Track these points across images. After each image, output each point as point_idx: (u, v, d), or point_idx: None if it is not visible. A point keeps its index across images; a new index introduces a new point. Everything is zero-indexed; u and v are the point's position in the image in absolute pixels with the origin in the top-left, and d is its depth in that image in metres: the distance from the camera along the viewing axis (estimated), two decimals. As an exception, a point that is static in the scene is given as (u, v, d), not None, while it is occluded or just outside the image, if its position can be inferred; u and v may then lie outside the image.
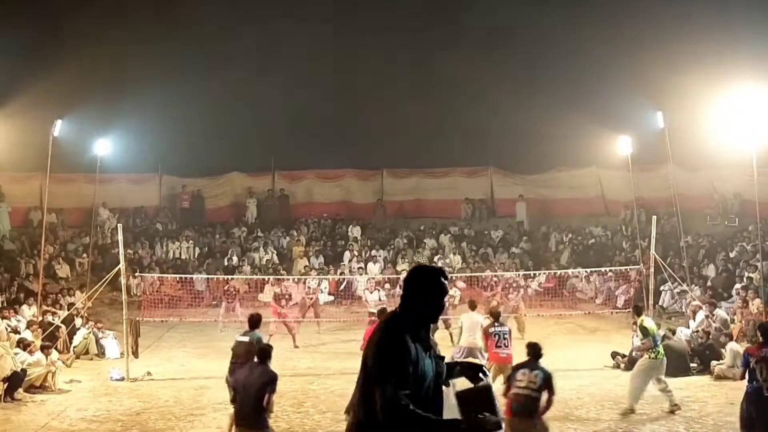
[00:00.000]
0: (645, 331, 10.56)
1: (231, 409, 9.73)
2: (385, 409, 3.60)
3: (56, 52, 25.72)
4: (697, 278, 19.33)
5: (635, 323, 14.25)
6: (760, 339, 8.28)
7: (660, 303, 18.80)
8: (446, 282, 3.92)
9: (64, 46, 26.54)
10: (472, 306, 13.61)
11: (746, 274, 17.86)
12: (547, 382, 7.88)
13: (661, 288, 19.03)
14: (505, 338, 11.00)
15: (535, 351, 8.30)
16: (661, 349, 10.61)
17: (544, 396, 7.81)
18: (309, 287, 18.38)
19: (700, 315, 14.86)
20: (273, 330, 16.08)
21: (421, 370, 3.71)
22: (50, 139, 16.39)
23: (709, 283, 18.77)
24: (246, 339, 9.66)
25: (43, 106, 19.99)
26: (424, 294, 3.83)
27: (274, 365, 8.72)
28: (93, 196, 22.02)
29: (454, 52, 30.12)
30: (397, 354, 3.67)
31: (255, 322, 9.96)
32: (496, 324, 11.24)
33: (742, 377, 8.26)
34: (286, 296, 17.15)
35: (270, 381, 7.69)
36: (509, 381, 8.06)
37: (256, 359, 7.92)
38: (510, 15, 29.67)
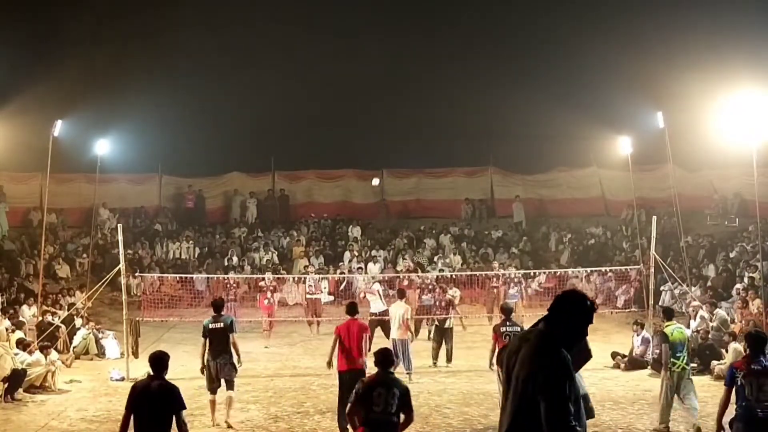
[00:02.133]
0: (663, 337, 9.59)
1: (209, 396, 10.05)
2: (553, 424, 3.68)
3: (56, 52, 25.77)
4: (697, 278, 19.32)
5: (636, 323, 14.31)
6: (748, 350, 7.15)
7: (660, 303, 18.77)
8: (592, 312, 4.03)
9: (64, 46, 26.58)
10: (402, 295, 13.72)
11: (746, 274, 17.84)
12: (402, 401, 6.36)
13: (661, 288, 19.02)
14: None
15: (385, 360, 6.61)
16: (680, 362, 9.48)
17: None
18: (310, 285, 18.41)
19: (700, 315, 14.86)
20: (266, 326, 16.11)
21: (576, 388, 3.82)
22: (50, 139, 16.38)
23: (709, 283, 18.76)
24: (220, 325, 9.86)
25: (43, 106, 20.02)
26: (571, 319, 3.94)
27: (274, 365, 8.69)
28: (93, 196, 22.03)
29: (454, 53, 30.17)
30: (562, 371, 3.77)
31: (218, 305, 10.21)
32: (507, 323, 10.14)
33: (728, 397, 7.01)
34: (271, 287, 17.16)
35: (174, 399, 6.46)
36: (361, 401, 6.47)
37: (151, 371, 6.68)
38: (510, 15, 29.71)
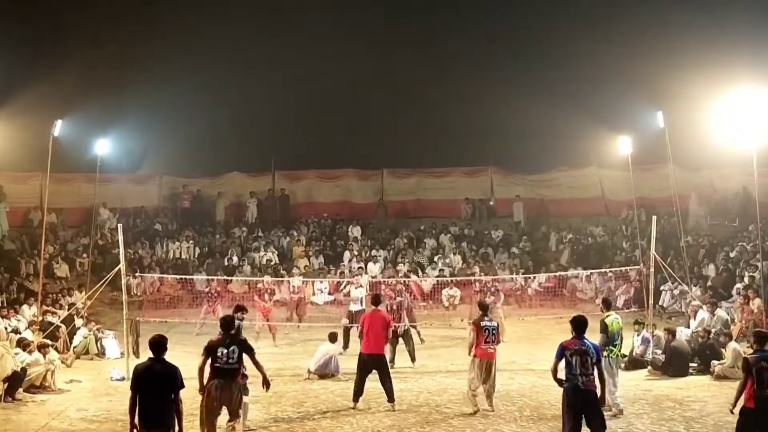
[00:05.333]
0: (603, 327, 10.46)
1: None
2: None
3: (56, 52, 25.79)
4: (697, 278, 19.31)
5: (636, 322, 14.29)
6: (574, 333, 8.21)
7: (660, 303, 18.80)
8: None
9: (64, 46, 26.61)
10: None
11: (747, 273, 17.83)
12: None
13: (661, 288, 19.03)
14: (493, 333, 10.64)
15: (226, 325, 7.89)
16: (616, 349, 10.56)
17: None
18: (294, 287, 18.41)
19: (701, 315, 14.85)
20: (260, 327, 16.10)
21: None
22: (50, 139, 16.36)
23: (709, 283, 18.76)
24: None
25: (43, 106, 20.00)
26: None
27: (274, 365, 8.64)
28: (93, 196, 22.04)
29: (454, 53, 30.18)
30: None
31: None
32: (485, 318, 10.83)
33: (556, 370, 8.13)
34: (269, 290, 17.13)
35: (176, 379, 7.14)
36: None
37: (152, 354, 7.36)
38: (510, 16, 29.73)
